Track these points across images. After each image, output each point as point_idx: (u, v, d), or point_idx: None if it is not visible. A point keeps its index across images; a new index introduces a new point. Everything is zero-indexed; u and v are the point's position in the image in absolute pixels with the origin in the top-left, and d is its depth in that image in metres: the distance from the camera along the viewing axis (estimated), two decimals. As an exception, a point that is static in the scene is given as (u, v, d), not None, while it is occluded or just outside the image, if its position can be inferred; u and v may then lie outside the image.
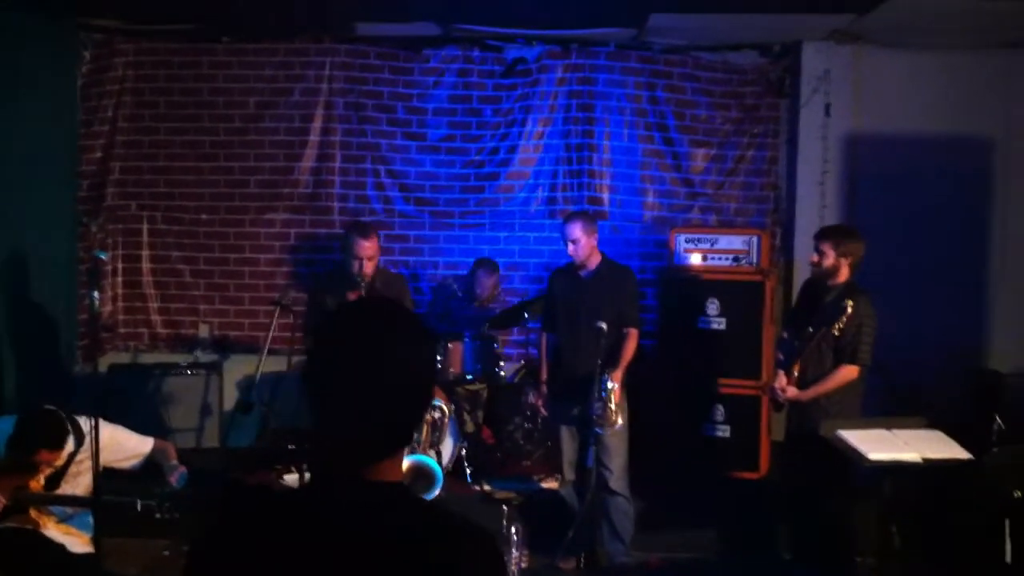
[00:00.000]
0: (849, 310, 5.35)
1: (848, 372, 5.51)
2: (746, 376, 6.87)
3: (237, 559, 1.75)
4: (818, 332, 5.44)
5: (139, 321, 8.13)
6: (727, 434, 6.99)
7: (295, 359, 6.95)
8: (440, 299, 7.75)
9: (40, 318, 7.31)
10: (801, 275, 6.86)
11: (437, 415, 6.13)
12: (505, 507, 4.96)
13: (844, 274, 5.60)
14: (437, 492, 5.04)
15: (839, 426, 5.16)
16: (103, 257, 5.76)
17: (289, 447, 6.64)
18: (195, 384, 7.43)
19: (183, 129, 8.11)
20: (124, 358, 8.02)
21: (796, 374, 5.59)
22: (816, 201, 7.76)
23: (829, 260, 5.59)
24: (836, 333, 5.40)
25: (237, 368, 7.73)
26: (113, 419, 5.07)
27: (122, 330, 8.13)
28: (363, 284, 6.01)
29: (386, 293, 6.06)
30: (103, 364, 7.65)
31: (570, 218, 6.21)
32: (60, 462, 4.80)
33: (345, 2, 7.24)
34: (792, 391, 5.60)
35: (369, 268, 6.04)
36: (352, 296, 6.04)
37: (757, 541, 6.21)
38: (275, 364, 6.78)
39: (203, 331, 8.08)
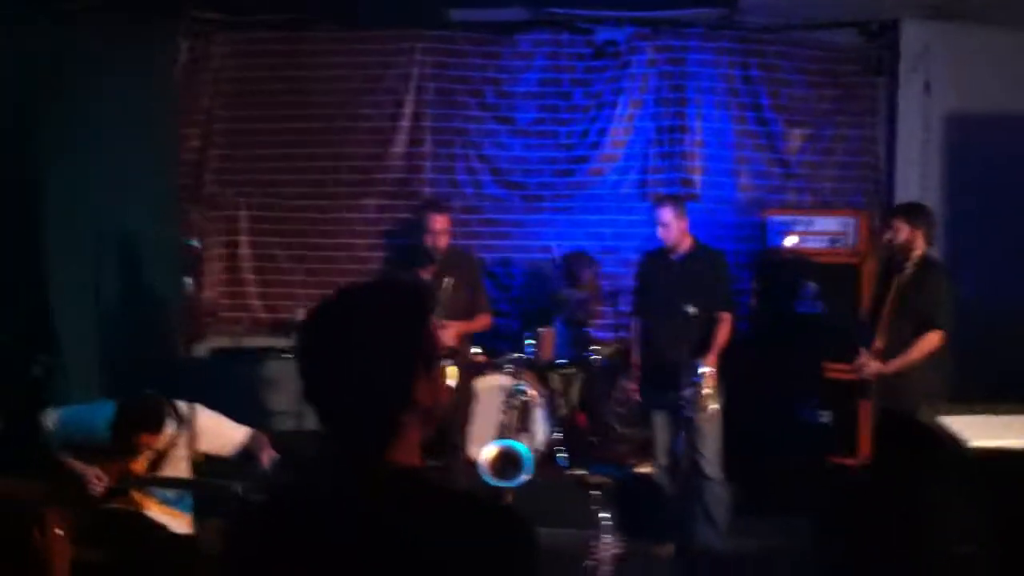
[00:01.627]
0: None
1: (930, 339, 5.45)
2: (844, 360, 6.72)
3: (259, 548, 1.78)
4: (891, 290, 5.47)
5: (239, 306, 8.29)
6: (825, 419, 6.87)
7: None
8: (534, 284, 7.72)
9: (145, 303, 7.50)
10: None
11: (523, 400, 6.14)
12: (596, 492, 4.94)
13: (919, 247, 5.60)
14: (527, 477, 5.06)
15: (939, 411, 5.04)
16: (196, 245, 5.88)
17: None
18: (294, 368, 7.52)
19: (279, 117, 8.23)
20: (225, 342, 8.19)
21: (880, 347, 5.52)
22: (916, 181, 7.55)
23: (903, 234, 5.61)
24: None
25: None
26: (214, 402, 5.18)
27: (223, 314, 8.31)
28: (437, 259, 5.99)
29: (458, 270, 6.04)
30: (205, 348, 7.83)
31: (660, 201, 6.15)
32: (161, 446, 4.92)
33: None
34: (875, 365, 5.55)
35: (442, 242, 6.05)
36: (425, 274, 6.05)
37: (856, 529, 6.09)
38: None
39: (300, 315, 8.21)
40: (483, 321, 6.23)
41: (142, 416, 4.84)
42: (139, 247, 7.37)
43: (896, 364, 5.51)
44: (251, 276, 8.28)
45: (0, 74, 6.13)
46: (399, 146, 8.17)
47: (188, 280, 5.29)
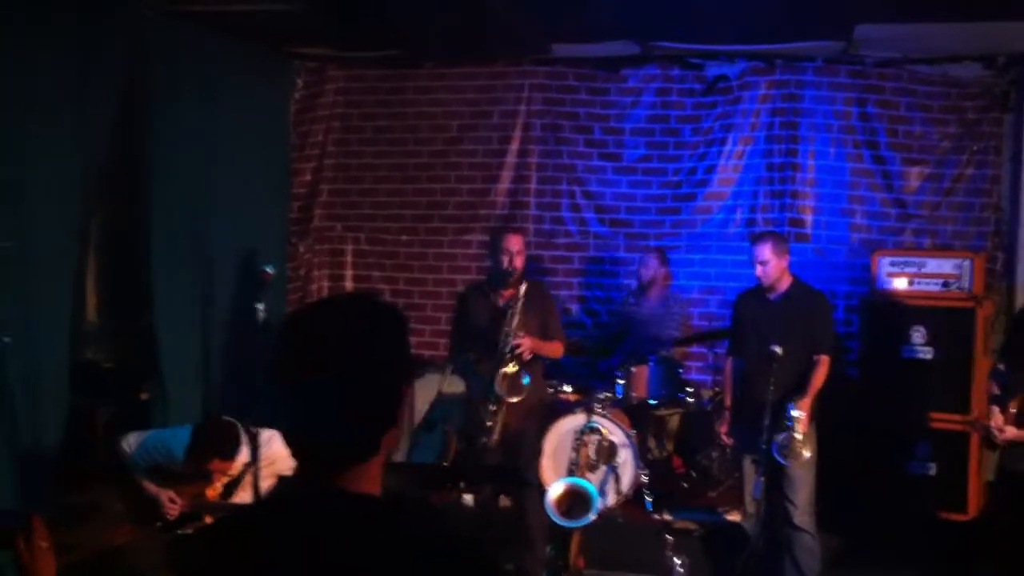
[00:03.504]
0: None
1: None
2: (955, 410, 6.34)
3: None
4: None
5: (341, 338, 8.34)
6: (932, 472, 6.48)
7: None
8: (617, 319, 7.53)
9: (251, 335, 7.60)
10: None
11: (598, 438, 5.95)
12: (669, 538, 4.76)
13: None
14: (593, 517, 4.91)
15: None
16: (270, 271, 5.95)
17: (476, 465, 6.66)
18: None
19: (388, 152, 8.35)
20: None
21: (1014, 411, 5.14)
22: (1043, 224, 7.13)
23: None
24: None
25: (430, 386, 7.79)
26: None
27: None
28: (512, 280, 5.78)
29: (531, 300, 5.85)
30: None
31: (759, 238, 5.95)
32: (235, 471, 4.96)
33: (541, 24, 7.23)
34: (1011, 431, 5.12)
35: (518, 263, 5.87)
36: (502, 295, 5.88)
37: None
38: (462, 384, 6.77)
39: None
40: (556, 346, 6.00)
41: (215, 442, 4.90)
42: (247, 279, 7.49)
43: None
44: (353, 310, 8.33)
45: (112, 110, 6.31)
46: (505, 182, 8.17)
47: (261, 306, 5.33)
